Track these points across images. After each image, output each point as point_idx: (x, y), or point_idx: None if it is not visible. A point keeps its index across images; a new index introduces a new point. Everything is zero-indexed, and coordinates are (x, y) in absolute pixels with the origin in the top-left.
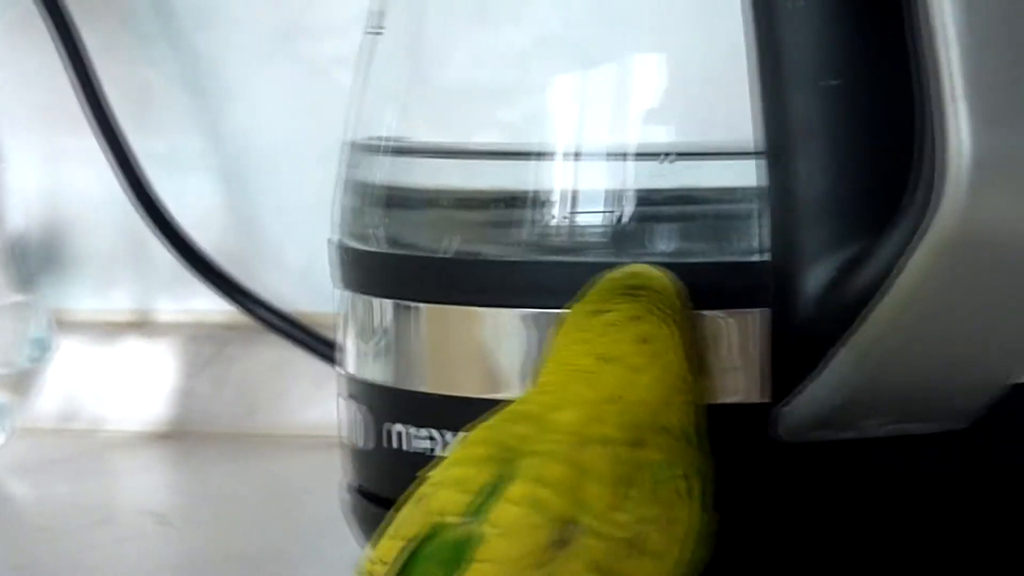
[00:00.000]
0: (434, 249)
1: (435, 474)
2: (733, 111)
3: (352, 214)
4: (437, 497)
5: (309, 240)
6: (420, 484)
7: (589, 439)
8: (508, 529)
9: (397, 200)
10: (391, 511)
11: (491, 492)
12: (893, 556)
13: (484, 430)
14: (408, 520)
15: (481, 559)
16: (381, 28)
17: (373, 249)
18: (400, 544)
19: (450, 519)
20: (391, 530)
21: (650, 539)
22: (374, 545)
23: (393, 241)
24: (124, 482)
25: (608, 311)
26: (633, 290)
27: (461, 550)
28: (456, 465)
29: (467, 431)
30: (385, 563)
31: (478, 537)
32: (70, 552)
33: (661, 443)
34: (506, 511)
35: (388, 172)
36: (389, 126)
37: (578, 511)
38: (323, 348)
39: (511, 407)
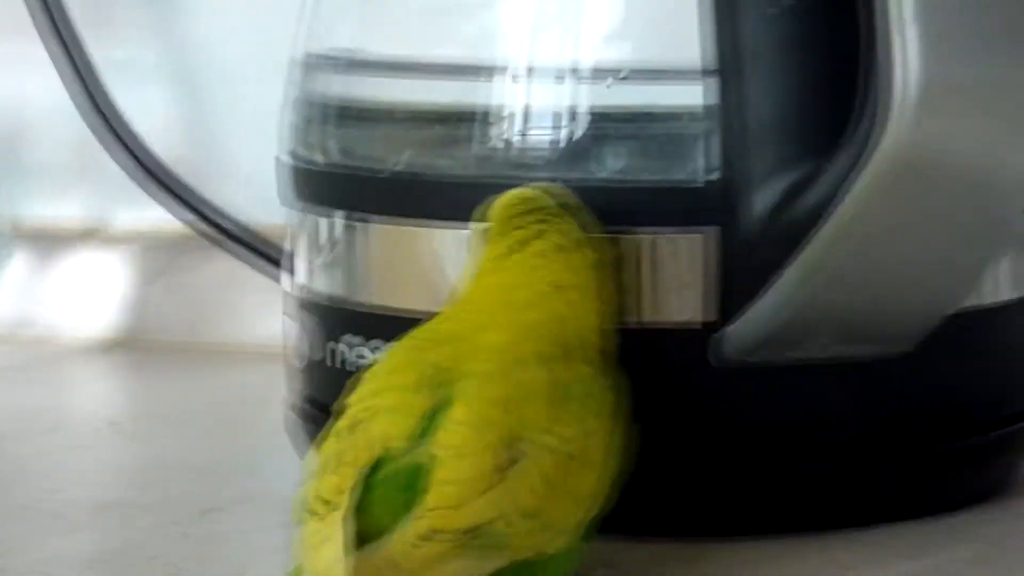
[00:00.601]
0: (384, 165)
1: (364, 401)
2: (684, 32)
3: (302, 129)
4: (376, 424)
5: (263, 152)
6: (342, 413)
7: (523, 358)
8: (459, 451)
9: (348, 115)
10: (316, 440)
11: (432, 415)
12: (822, 481)
13: (408, 351)
14: (349, 451)
15: (439, 481)
16: None
17: (313, 166)
18: (348, 475)
19: (395, 444)
20: (331, 463)
21: (589, 451)
22: (308, 478)
23: (346, 154)
24: (76, 390)
25: (532, 238)
26: (547, 213)
27: (417, 474)
28: (389, 391)
29: (384, 353)
30: (328, 500)
31: (431, 460)
32: (22, 457)
33: (587, 358)
34: (454, 433)
35: (340, 87)
36: (343, 39)
37: (523, 428)
38: (267, 264)
39: (431, 326)
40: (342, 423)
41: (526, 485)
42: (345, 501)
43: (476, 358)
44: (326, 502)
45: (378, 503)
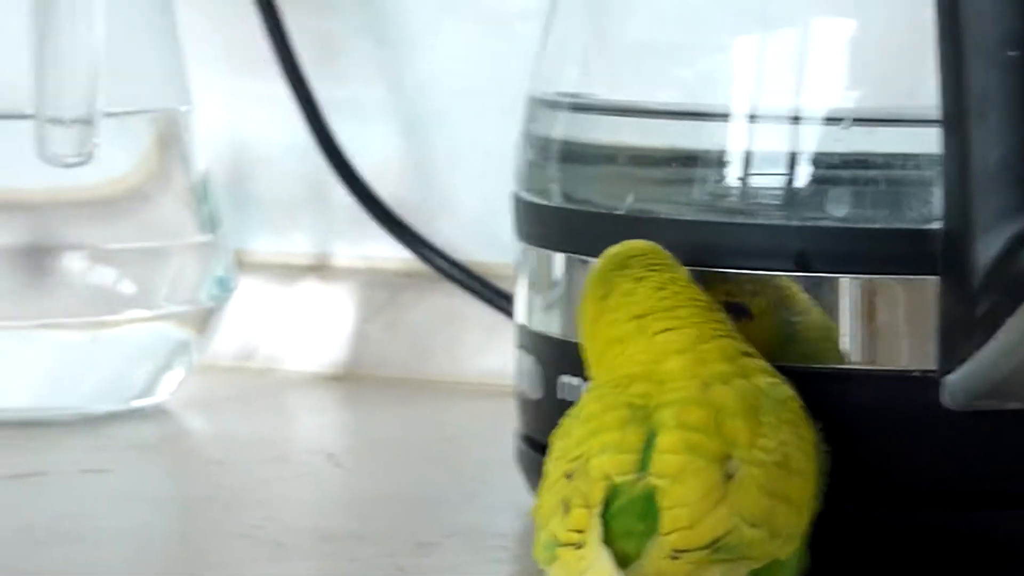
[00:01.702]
0: (609, 206)
1: (580, 446)
2: (914, 77)
3: (530, 168)
4: (599, 463)
5: (485, 191)
6: (557, 462)
7: (708, 380)
8: (675, 477)
9: (574, 156)
10: (536, 497)
11: (645, 447)
12: None
13: (602, 399)
14: (576, 495)
15: (669, 506)
16: None
17: (548, 203)
18: (583, 515)
19: (619, 480)
20: (573, 501)
21: (792, 458)
22: (541, 516)
23: (568, 196)
24: (297, 421)
25: (646, 277)
26: (653, 263)
27: (649, 502)
28: (603, 432)
29: (570, 414)
30: (581, 530)
31: (654, 488)
32: (244, 486)
33: (760, 369)
34: (667, 461)
35: (566, 127)
36: (569, 82)
37: (728, 446)
38: (495, 298)
39: (607, 379)
40: (556, 472)
41: (746, 497)
42: (594, 533)
43: (665, 388)
44: (575, 540)
45: (619, 536)
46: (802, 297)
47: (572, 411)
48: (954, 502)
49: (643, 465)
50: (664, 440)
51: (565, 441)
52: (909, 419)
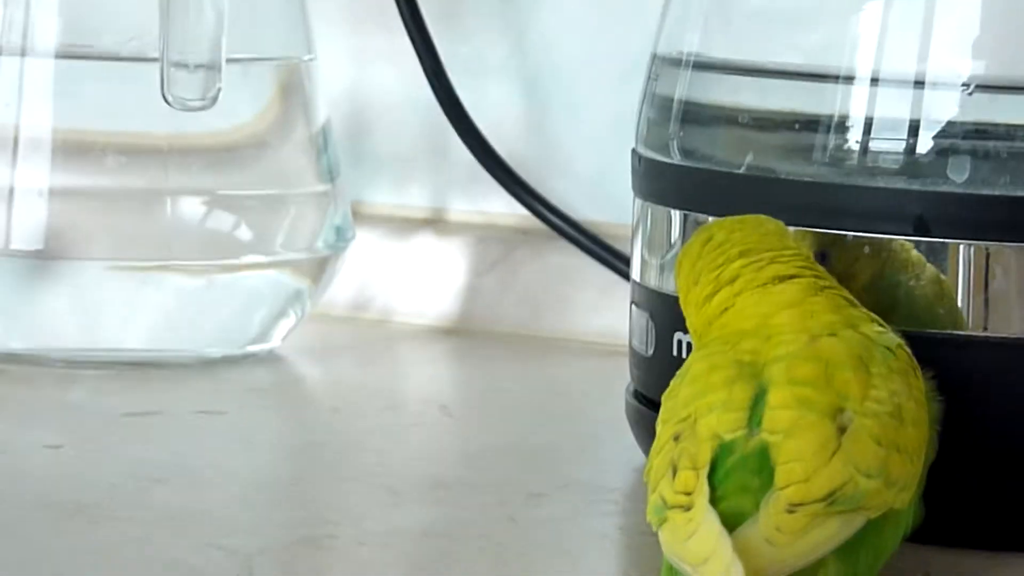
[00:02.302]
0: (728, 164)
1: (688, 406)
2: None
3: (650, 126)
4: (706, 423)
5: (601, 151)
6: (665, 424)
7: (816, 334)
8: (788, 432)
9: (695, 115)
10: (648, 458)
11: (754, 404)
12: None
13: (711, 357)
14: (684, 456)
15: (784, 461)
16: None
17: (667, 160)
18: (691, 477)
19: (729, 436)
20: (680, 463)
21: (905, 408)
22: (651, 480)
23: (688, 154)
24: (410, 372)
25: (743, 225)
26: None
27: (764, 457)
28: (711, 391)
29: (678, 374)
30: (689, 492)
31: (768, 443)
32: (356, 433)
33: (867, 318)
34: (779, 416)
35: (688, 87)
36: (691, 42)
37: (840, 399)
38: (609, 257)
39: (714, 333)
40: (664, 434)
41: (861, 449)
42: (701, 495)
43: (774, 344)
44: (683, 502)
45: (733, 492)
46: (918, 259)
47: (680, 371)
48: None
49: (754, 422)
50: (775, 396)
51: (673, 402)
52: (1021, 386)
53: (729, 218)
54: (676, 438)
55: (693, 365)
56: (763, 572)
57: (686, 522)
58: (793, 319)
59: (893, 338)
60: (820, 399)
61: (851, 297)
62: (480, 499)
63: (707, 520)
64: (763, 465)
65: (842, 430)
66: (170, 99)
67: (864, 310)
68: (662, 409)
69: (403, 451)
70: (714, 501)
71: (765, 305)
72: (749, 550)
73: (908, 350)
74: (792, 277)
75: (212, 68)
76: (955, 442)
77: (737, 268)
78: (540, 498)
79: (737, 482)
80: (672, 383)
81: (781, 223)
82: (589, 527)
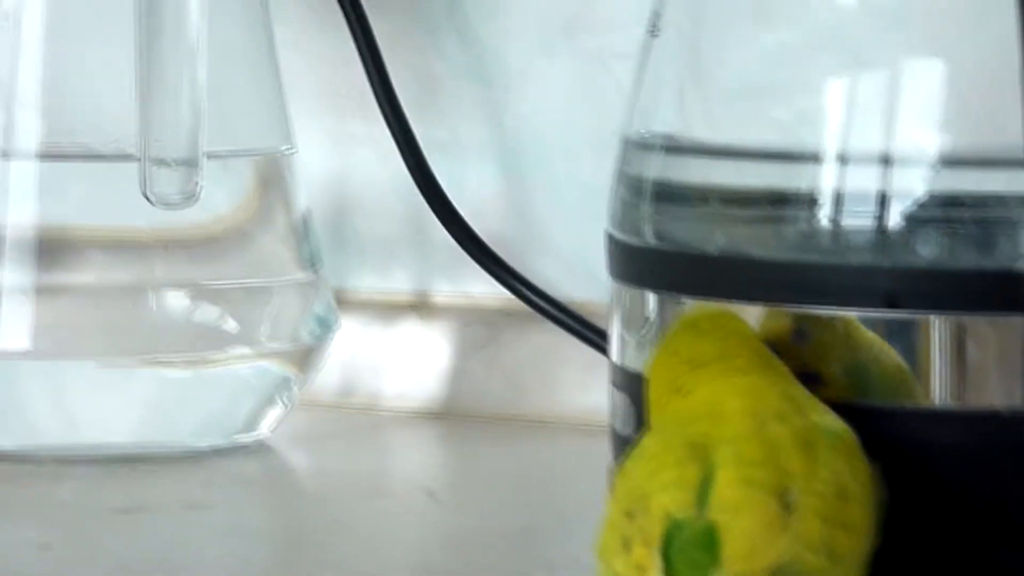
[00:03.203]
0: (701, 246)
1: (642, 486)
2: (1005, 118)
3: (623, 207)
4: (659, 502)
5: (582, 229)
6: (618, 501)
7: (765, 419)
8: (737, 510)
9: (667, 196)
10: (600, 535)
11: (705, 484)
12: None
13: (663, 439)
14: (637, 534)
15: (731, 538)
16: (659, 30)
17: (640, 243)
18: (645, 554)
19: (680, 515)
20: (634, 539)
21: (849, 488)
22: (602, 555)
23: (661, 236)
24: (397, 457)
25: (712, 332)
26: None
27: (711, 536)
28: (663, 470)
29: (631, 455)
30: (643, 568)
31: (716, 522)
32: (343, 521)
33: (816, 407)
34: (727, 495)
35: (660, 168)
36: (663, 122)
37: (786, 479)
38: (593, 336)
39: (669, 417)
40: (617, 511)
41: (806, 526)
42: (655, 571)
43: (725, 426)
44: (643, 568)
45: (683, 569)
46: (873, 338)
47: (633, 452)
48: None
49: (702, 501)
50: (723, 476)
51: (626, 481)
52: (997, 458)
53: (701, 322)
54: (629, 515)
55: (648, 445)
56: None
57: None
58: (745, 405)
59: (840, 424)
60: (767, 479)
61: (804, 392)
62: None
63: None
64: (712, 542)
65: (788, 509)
66: (151, 197)
67: (815, 400)
68: (614, 487)
69: (389, 538)
70: None
71: (720, 392)
72: None
73: (854, 436)
74: (756, 372)
75: (192, 164)
76: (932, 514)
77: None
78: None
79: (687, 559)
80: (625, 463)
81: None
82: None
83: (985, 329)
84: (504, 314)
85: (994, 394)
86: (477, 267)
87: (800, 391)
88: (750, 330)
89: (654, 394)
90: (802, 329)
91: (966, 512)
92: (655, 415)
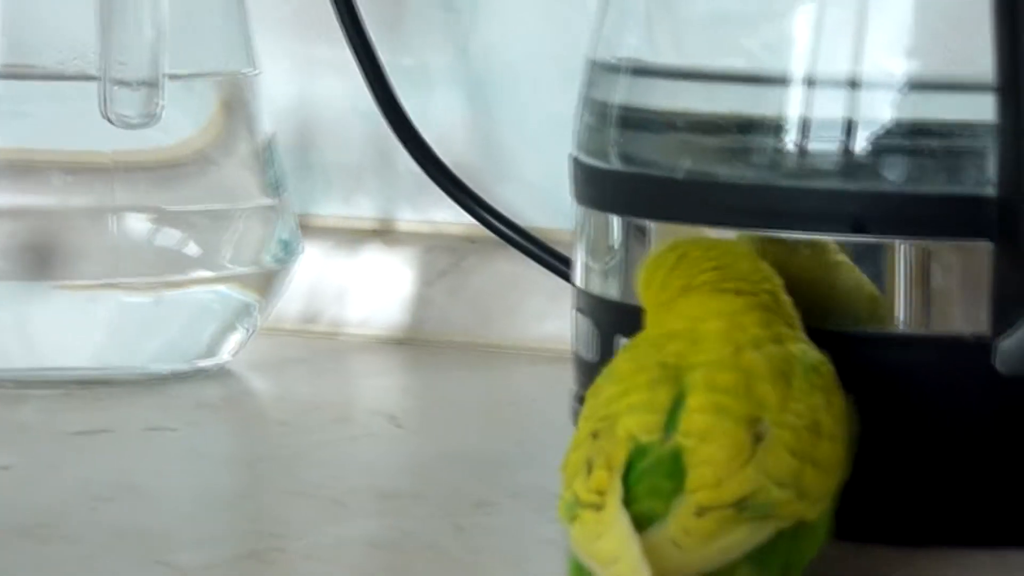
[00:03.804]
0: (667, 169)
1: (609, 406)
2: (973, 44)
3: (589, 131)
4: (624, 424)
5: (548, 157)
6: (587, 420)
7: (741, 345)
8: (703, 436)
9: (633, 120)
10: (566, 453)
11: (674, 408)
12: None
13: (638, 355)
14: (599, 455)
15: (696, 464)
16: None
17: (606, 166)
18: (604, 477)
19: (645, 439)
20: (583, 468)
21: (823, 423)
22: (566, 475)
23: (627, 159)
24: (360, 384)
25: (713, 262)
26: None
27: (677, 461)
28: (633, 392)
29: (615, 360)
30: (602, 491)
31: (682, 447)
32: (306, 446)
33: (797, 337)
34: (696, 421)
35: (626, 92)
36: (630, 47)
37: (759, 409)
38: (557, 263)
39: (650, 332)
40: (583, 430)
41: (775, 458)
42: (613, 496)
43: (699, 350)
44: (595, 501)
45: (645, 495)
46: (847, 263)
47: (606, 369)
48: (1004, 465)
49: (670, 425)
50: (693, 401)
51: (595, 400)
52: (961, 383)
53: (705, 239)
54: (594, 436)
55: (619, 364)
56: (670, 575)
57: (596, 522)
58: (721, 328)
59: (818, 356)
60: (737, 407)
61: (788, 319)
62: (428, 509)
63: (618, 521)
64: (676, 469)
65: (758, 439)
66: (112, 117)
67: (795, 331)
68: (585, 405)
69: (351, 463)
70: (626, 503)
71: (699, 309)
72: (657, 552)
73: (831, 368)
74: (743, 292)
75: (153, 85)
76: (897, 439)
77: (703, 278)
78: (488, 506)
79: (649, 485)
80: (598, 380)
81: (752, 250)
82: (537, 534)
83: (951, 254)
84: (468, 241)
85: (959, 319)
86: (442, 194)
87: (783, 320)
88: (758, 258)
89: (646, 304)
90: None
91: (931, 437)
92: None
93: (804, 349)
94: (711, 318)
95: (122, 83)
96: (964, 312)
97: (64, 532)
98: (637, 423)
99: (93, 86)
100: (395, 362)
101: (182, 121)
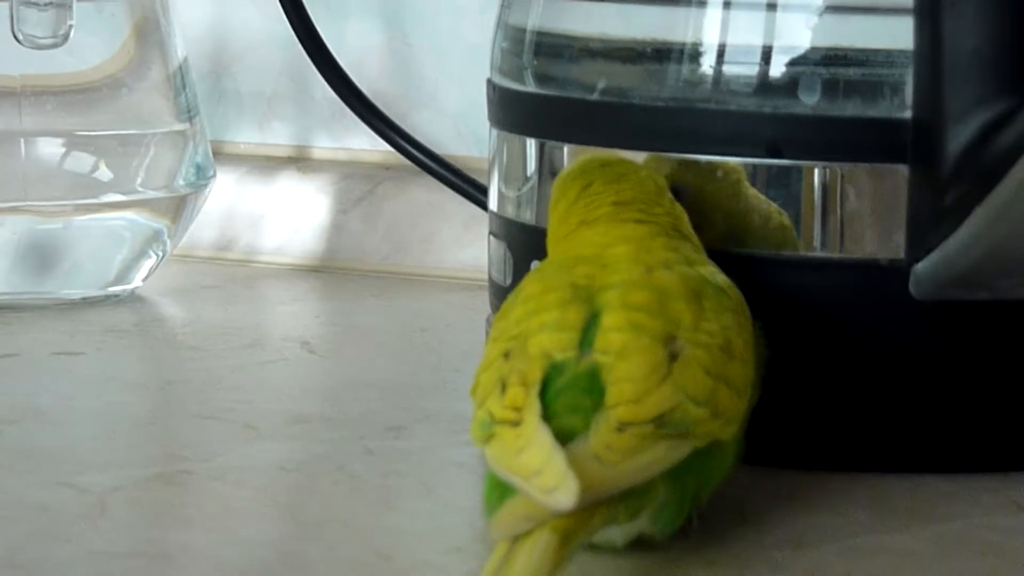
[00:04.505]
0: (582, 91)
1: (519, 324)
2: None
3: (504, 55)
4: (537, 341)
5: (464, 85)
6: (496, 341)
7: (652, 265)
8: (620, 353)
9: (548, 46)
10: (476, 374)
11: (587, 327)
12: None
13: (546, 279)
14: (513, 373)
15: (615, 381)
16: None
17: (521, 88)
18: (520, 394)
19: (560, 356)
20: (510, 380)
21: (734, 344)
22: (477, 396)
23: (543, 81)
24: (273, 310)
25: (614, 196)
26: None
27: (594, 378)
28: (544, 311)
29: (509, 296)
30: (518, 408)
31: (600, 364)
32: (217, 371)
33: (703, 261)
34: (612, 338)
35: (540, 17)
36: None
37: (672, 327)
38: (473, 191)
39: (555, 258)
40: (494, 352)
41: (691, 376)
42: (531, 411)
43: (610, 271)
44: (511, 418)
45: (564, 411)
46: (751, 189)
47: (513, 292)
48: (917, 390)
49: (585, 344)
50: (609, 319)
51: (504, 321)
52: (875, 308)
53: (611, 167)
54: (506, 355)
55: (527, 286)
56: (591, 489)
57: (516, 436)
58: (630, 251)
59: (725, 280)
60: (653, 325)
61: (697, 247)
62: (338, 433)
63: (539, 434)
64: (594, 385)
65: (673, 357)
66: (20, 37)
67: (702, 256)
68: (492, 328)
69: (262, 388)
70: (544, 420)
71: (606, 236)
72: (578, 466)
73: (739, 292)
74: (643, 222)
75: (63, 6)
76: (811, 363)
77: (602, 213)
78: (399, 431)
79: (567, 402)
80: (504, 304)
81: (663, 180)
82: (447, 457)
83: (866, 178)
84: (384, 168)
85: (874, 244)
86: (358, 121)
87: (687, 245)
88: (665, 191)
89: (552, 239)
90: (677, 187)
91: (845, 362)
92: (550, 251)
93: (712, 272)
94: (618, 243)
95: (31, 3)
96: (879, 237)
97: None
98: (551, 341)
99: (2, 8)
100: (309, 289)
101: (93, 45)
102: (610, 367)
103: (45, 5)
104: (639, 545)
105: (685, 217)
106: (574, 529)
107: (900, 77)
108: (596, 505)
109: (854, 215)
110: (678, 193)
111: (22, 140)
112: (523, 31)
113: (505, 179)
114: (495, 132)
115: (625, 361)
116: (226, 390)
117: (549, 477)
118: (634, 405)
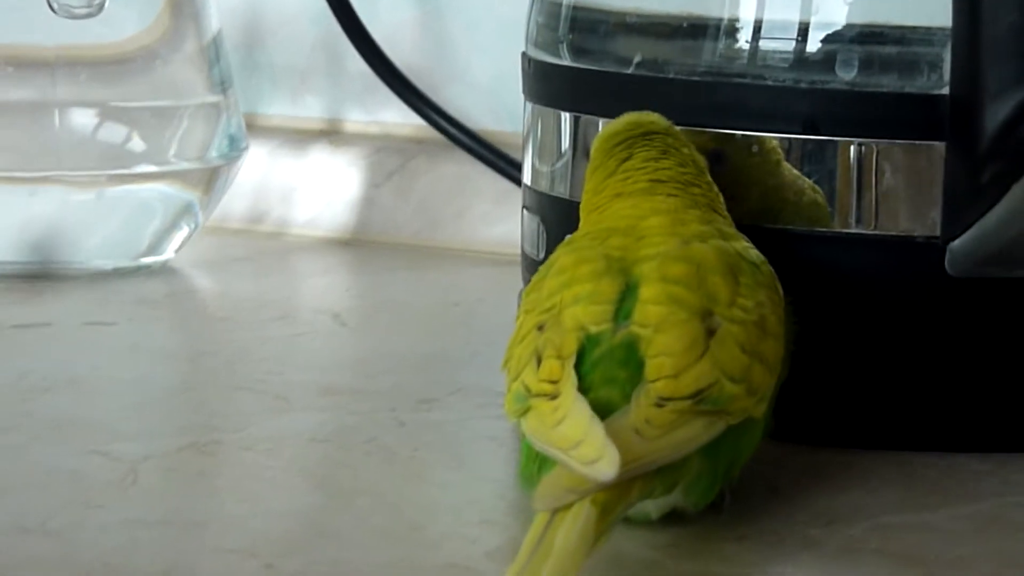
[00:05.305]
0: (618, 65)
1: (553, 297)
2: None
3: (540, 29)
4: (572, 314)
5: (498, 59)
6: (528, 314)
7: (688, 238)
8: (660, 326)
9: (584, 21)
10: (508, 348)
11: (623, 298)
12: None
13: (578, 251)
14: (551, 342)
15: (654, 355)
16: None
17: (557, 61)
18: (556, 366)
19: (595, 329)
20: (545, 352)
21: (768, 320)
22: (511, 370)
23: (578, 54)
24: (304, 283)
25: (637, 149)
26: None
27: (632, 350)
28: (578, 283)
29: (541, 269)
30: (555, 380)
31: (638, 337)
32: (248, 342)
33: (736, 236)
34: (650, 311)
35: None
36: None
37: (709, 302)
38: (506, 166)
39: (586, 231)
40: (527, 325)
41: (727, 353)
42: (568, 383)
43: (646, 243)
44: (548, 391)
45: (600, 384)
46: (786, 165)
47: (544, 264)
48: (951, 368)
49: (621, 315)
50: (647, 291)
51: (536, 294)
52: (910, 284)
53: (653, 142)
54: (540, 328)
55: (560, 258)
56: (631, 463)
57: (553, 410)
58: (664, 224)
59: (759, 255)
60: (691, 299)
61: (729, 223)
62: (369, 405)
63: (576, 406)
64: (630, 358)
65: (710, 332)
66: (55, 6)
67: (734, 230)
68: (524, 301)
69: (293, 360)
70: (581, 391)
71: (639, 209)
72: (617, 439)
73: (771, 268)
74: (672, 196)
75: None
76: (845, 339)
77: (637, 188)
78: (430, 403)
79: (603, 374)
80: (535, 277)
81: (703, 160)
82: (478, 430)
83: (902, 155)
84: (416, 143)
85: (909, 220)
86: (391, 95)
87: (720, 219)
88: (705, 170)
89: (585, 210)
90: (719, 151)
91: (879, 338)
92: (583, 221)
93: (746, 247)
94: (651, 215)
95: None
96: (914, 213)
97: None
98: (585, 313)
99: None
100: (340, 262)
101: (128, 17)
102: (648, 340)
103: None
104: (672, 518)
105: (721, 199)
106: (613, 502)
107: (937, 54)
108: (634, 478)
109: (889, 192)
110: (719, 158)
111: (56, 110)
112: (559, 5)
113: (539, 153)
114: (529, 106)
115: (664, 335)
116: (257, 361)
117: (589, 449)
118: (673, 380)
